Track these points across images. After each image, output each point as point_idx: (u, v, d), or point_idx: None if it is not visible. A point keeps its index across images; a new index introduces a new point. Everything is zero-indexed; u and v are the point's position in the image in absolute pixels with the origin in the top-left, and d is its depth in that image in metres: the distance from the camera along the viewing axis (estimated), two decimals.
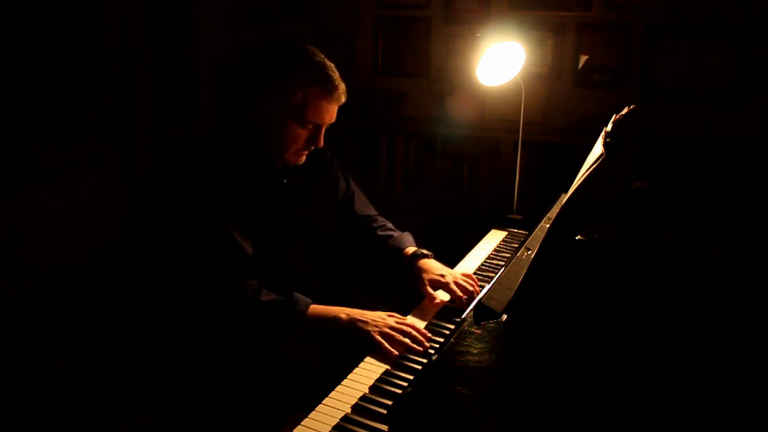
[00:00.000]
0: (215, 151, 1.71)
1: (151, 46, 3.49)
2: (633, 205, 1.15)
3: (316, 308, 1.50)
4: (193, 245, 1.63)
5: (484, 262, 1.90)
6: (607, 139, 1.22)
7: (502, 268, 1.48)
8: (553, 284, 1.04)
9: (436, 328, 1.48)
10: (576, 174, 1.29)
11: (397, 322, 1.43)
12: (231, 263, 1.52)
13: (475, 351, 1.02)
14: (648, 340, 0.92)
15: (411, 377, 1.27)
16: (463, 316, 1.25)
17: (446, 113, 3.44)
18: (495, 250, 2.00)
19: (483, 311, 1.13)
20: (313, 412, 1.16)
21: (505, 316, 1.10)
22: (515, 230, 2.17)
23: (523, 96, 2.24)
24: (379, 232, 1.84)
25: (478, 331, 1.08)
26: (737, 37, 2.98)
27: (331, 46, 2.17)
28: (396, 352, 1.35)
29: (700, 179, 1.22)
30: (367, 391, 1.22)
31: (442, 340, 1.40)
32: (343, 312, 1.48)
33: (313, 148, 1.63)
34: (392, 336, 1.38)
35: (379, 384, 1.25)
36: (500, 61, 2.08)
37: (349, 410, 1.16)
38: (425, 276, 1.65)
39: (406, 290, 1.69)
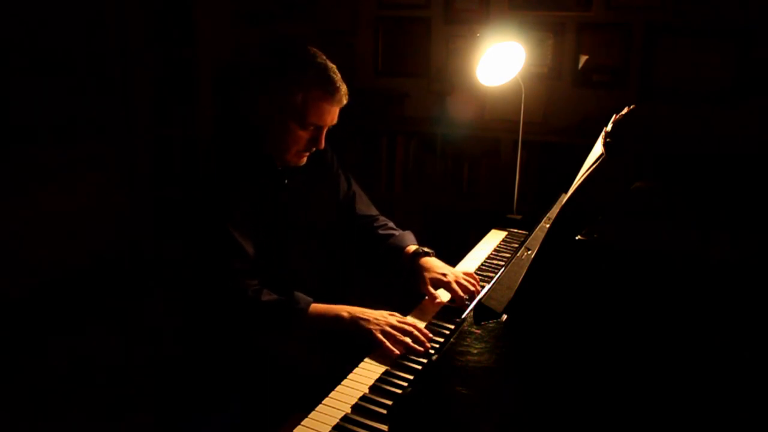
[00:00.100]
0: (215, 151, 1.71)
1: (151, 46, 3.48)
2: (633, 205, 1.15)
3: (317, 307, 1.50)
4: (194, 245, 1.63)
5: (484, 262, 1.90)
6: (607, 139, 1.22)
7: (502, 268, 1.48)
8: (553, 284, 1.03)
9: (436, 328, 1.48)
10: (576, 174, 1.29)
11: (398, 321, 1.43)
12: (232, 263, 1.52)
13: (475, 351, 1.02)
14: (648, 340, 0.92)
15: (411, 377, 1.27)
16: (463, 316, 1.25)
17: (446, 113, 3.44)
18: (495, 250, 2.00)
19: (483, 311, 1.13)
20: (313, 412, 1.16)
21: (505, 316, 1.10)
22: (515, 230, 2.17)
23: (523, 96, 2.24)
24: (380, 231, 1.84)
25: (478, 331, 1.08)
26: (737, 37, 2.98)
27: (331, 46, 2.16)
28: (397, 352, 1.35)
29: (700, 179, 1.22)
30: (367, 391, 1.22)
31: (442, 340, 1.40)
32: (344, 310, 1.48)
33: (314, 149, 1.63)
34: (393, 335, 1.38)
35: (379, 384, 1.25)
36: (500, 61, 2.08)
37: (349, 410, 1.16)
38: (426, 275, 1.65)
39: (406, 290, 1.69)
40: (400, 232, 1.85)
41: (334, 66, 1.58)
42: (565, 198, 1.17)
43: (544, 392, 0.92)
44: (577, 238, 0.96)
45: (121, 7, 3.37)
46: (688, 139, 1.38)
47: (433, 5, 3.49)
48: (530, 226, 1.86)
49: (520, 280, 1.11)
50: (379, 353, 1.36)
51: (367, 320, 1.43)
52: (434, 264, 1.69)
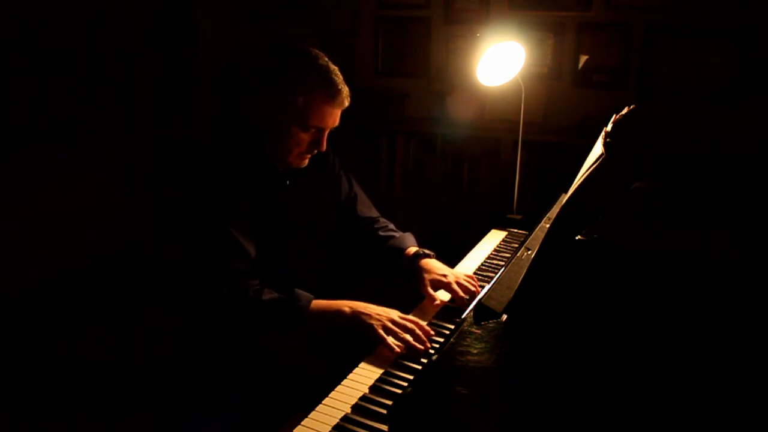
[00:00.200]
0: (215, 151, 1.70)
1: (151, 46, 3.49)
2: (633, 205, 1.15)
3: (318, 303, 1.49)
4: (194, 246, 1.63)
5: (484, 262, 1.90)
6: (607, 139, 1.22)
7: (502, 268, 1.48)
8: (553, 284, 1.03)
9: (436, 328, 1.48)
10: (576, 174, 1.29)
11: (400, 317, 1.42)
12: (232, 264, 1.52)
13: (475, 351, 1.02)
14: (648, 340, 0.92)
15: (411, 377, 1.27)
16: (463, 316, 1.25)
17: (446, 113, 3.44)
18: (495, 250, 2.00)
19: (483, 311, 1.13)
20: (313, 412, 1.15)
21: (505, 316, 1.10)
22: (515, 230, 2.17)
23: (523, 96, 2.24)
24: (381, 233, 1.84)
25: (478, 331, 1.08)
26: (737, 37, 2.98)
27: (331, 46, 2.17)
28: (398, 348, 1.35)
29: (700, 179, 1.22)
30: (367, 391, 1.22)
31: (442, 340, 1.40)
32: (346, 305, 1.47)
33: (315, 151, 1.63)
34: (395, 331, 1.38)
35: (379, 384, 1.24)
36: (500, 61, 2.08)
37: (349, 410, 1.16)
38: (427, 276, 1.65)
39: (406, 291, 1.69)
40: (401, 233, 1.85)
41: (336, 68, 1.57)
42: (565, 198, 1.17)
43: (544, 392, 0.92)
44: (577, 238, 0.96)
45: (121, 7, 3.37)
46: (688, 139, 1.38)
47: (433, 5, 3.49)
48: (530, 226, 1.86)
49: (520, 280, 1.11)
50: (379, 350, 1.36)
51: (369, 315, 1.43)
52: (434, 265, 1.69)
